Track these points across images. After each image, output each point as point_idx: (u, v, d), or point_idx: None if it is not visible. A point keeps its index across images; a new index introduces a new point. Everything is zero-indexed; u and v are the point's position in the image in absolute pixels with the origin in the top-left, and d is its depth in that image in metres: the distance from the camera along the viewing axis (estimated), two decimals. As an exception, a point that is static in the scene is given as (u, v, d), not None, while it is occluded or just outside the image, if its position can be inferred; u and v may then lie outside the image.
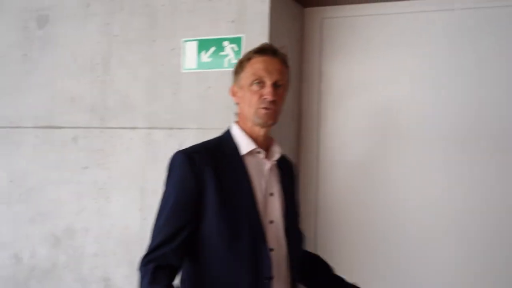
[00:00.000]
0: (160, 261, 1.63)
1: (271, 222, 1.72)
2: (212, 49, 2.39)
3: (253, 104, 1.72)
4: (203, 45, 2.41)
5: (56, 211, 2.66)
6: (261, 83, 1.71)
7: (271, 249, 1.69)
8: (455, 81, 2.38)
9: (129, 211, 2.51)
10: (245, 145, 1.75)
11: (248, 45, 2.30)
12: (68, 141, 2.66)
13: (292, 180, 1.91)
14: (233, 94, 1.80)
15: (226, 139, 1.78)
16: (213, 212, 1.66)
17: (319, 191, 2.58)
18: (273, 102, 1.70)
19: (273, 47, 1.79)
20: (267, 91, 1.70)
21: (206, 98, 2.39)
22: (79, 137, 2.64)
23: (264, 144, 1.77)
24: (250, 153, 1.74)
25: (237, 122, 1.80)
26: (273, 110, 1.71)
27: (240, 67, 1.78)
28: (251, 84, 1.72)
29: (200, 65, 2.41)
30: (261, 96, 1.70)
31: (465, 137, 2.36)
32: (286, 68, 1.79)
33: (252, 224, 1.68)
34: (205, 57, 2.40)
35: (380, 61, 2.50)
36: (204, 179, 1.67)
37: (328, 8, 2.57)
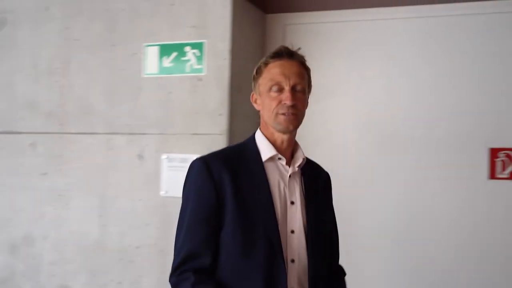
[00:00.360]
0: (199, 272, 1.57)
1: (292, 232, 1.64)
2: (174, 54, 2.38)
3: (273, 110, 1.64)
4: (165, 50, 2.39)
5: (14, 218, 2.60)
6: (279, 88, 1.64)
7: (292, 260, 1.61)
8: (415, 86, 2.42)
9: (88, 217, 2.46)
10: (266, 151, 1.68)
11: (210, 50, 2.30)
12: (26, 146, 2.60)
13: (323, 190, 1.79)
14: (254, 101, 1.74)
15: (249, 144, 1.72)
16: (230, 219, 1.60)
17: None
18: (293, 106, 1.62)
19: (290, 49, 1.70)
20: (286, 96, 1.62)
21: (167, 103, 2.38)
22: (38, 142, 2.58)
23: (288, 150, 1.70)
24: (271, 159, 1.68)
25: (260, 128, 1.73)
26: (294, 115, 1.63)
27: (257, 73, 1.71)
28: (269, 90, 1.65)
29: (162, 70, 2.40)
30: (280, 101, 1.63)
31: (421, 139, 2.41)
32: (305, 70, 1.70)
33: (268, 233, 1.60)
34: (167, 62, 2.39)
35: (342, 68, 2.53)
36: (223, 187, 1.61)
37: (290, 14, 2.59)
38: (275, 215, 1.62)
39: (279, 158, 1.68)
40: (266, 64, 1.68)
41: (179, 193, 2.27)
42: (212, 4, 2.30)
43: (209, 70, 2.31)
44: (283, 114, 1.63)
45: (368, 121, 2.49)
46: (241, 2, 2.38)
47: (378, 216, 2.45)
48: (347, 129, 2.52)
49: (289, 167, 1.68)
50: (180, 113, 2.35)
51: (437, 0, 2.37)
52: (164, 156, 2.35)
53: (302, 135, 2.51)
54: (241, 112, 2.40)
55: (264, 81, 1.67)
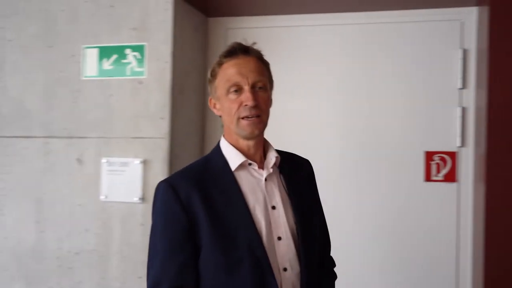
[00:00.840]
0: None
1: (279, 238, 1.50)
2: (114, 56, 2.34)
3: (233, 114, 1.50)
4: (105, 52, 2.35)
5: None
6: (238, 88, 1.49)
7: (285, 269, 1.49)
8: (352, 92, 2.49)
9: (23, 223, 2.39)
10: (234, 159, 1.53)
11: (151, 53, 2.28)
12: (-43, 150, 2.49)
13: (307, 181, 1.66)
14: (213, 106, 1.58)
15: (215, 156, 1.57)
16: (206, 240, 1.46)
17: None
18: (255, 107, 1.48)
19: (244, 45, 1.56)
20: (246, 96, 1.48)
21: (107, 106, 2.34)
22: (-30, 146, 2.48)
23: (257, 153, 1.56)
24: (242, 166, 1.53)
25: (224, 135, 1.58)
26: (257, 118, 1.50)
27: (212, 75, 1.56)
28: (227, 92, 1.50)
29: (102, 72, 2.36)
30: (240, 103, 1.48)
31: (359, 143, 2.48)
32: (264, 65, 1.57)
33: (251, 246, 1.46)
34: (107, 64, 2.35)
35: (283, 72, 2.56)
36: (192, 207, 1.47)
37: (232, 18, 2.61)
38: (254, 225, 1.48)
39: (249, 164, 1.54)
40: (220, 64, 1.54)
41: (120, 198, 2.27)
42: (153, 6, 2.29)
43: (150, 73, 2.29)
44: (246, 117, 1.49)
45: (305, 126, 2.54)
46: (183, 5, 2.37)
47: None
48: (285, 135, 2.55)
49: (263, 170, 1.55)
50: (120, 116, 2.31)
51: (374, 7, 2.45)
52: (104, 160, 2.31)
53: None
54: (183, 115, 2.39)
55: (220, 83, 1.53)
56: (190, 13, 2.45)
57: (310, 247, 1.55)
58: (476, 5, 2.35)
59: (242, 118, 1.49)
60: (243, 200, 1.50)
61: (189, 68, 2.46)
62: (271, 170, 1.55)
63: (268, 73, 1.58)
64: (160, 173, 2.25)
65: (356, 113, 2.49)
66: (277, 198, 1.53)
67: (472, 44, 2.36)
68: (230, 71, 1.51)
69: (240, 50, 1.54)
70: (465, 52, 2.36)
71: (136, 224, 2.27)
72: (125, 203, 2.28)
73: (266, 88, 1.54)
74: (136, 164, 2.27)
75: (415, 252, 2.42)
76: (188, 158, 2.44)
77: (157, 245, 1.49)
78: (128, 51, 2.32)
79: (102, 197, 2.31)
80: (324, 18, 2.52)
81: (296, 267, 1.50)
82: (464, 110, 2.36)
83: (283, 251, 1.50)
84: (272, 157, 1.57)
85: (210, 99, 1.59)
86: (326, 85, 2.52)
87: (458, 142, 2.37)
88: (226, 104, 1.52)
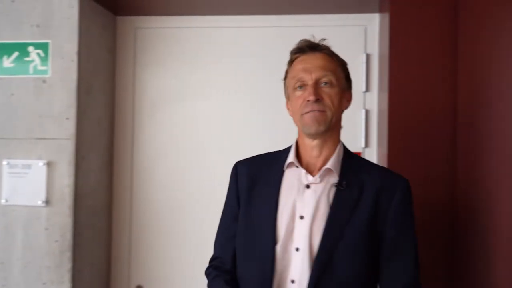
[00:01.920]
0: (219, 271, 1.61)
1: (297, 249, 1.47)
2: (16, 54, 2.24)
3: (297, 110, 1.49)
4: (5, 49, 2.24)
5: None
6: (302, 85, 1.49)
7: (292, 281, 1.46)
8: (261, 94, 2.53)
9: None
10: (289, 157, 1.54)
11: (56, 51, 2.21)
12: None
13: (375, 203, 1.49)
14: (288, 108, 1.59)
15: (285, 151, 1.59)
16: (239, 226, 1.59)
17: (134, 199, 2.55)
18: (317, 101, 1.45)
19: (311, 41, 1.54)
20: (308, 91, 1.46)
21: (9, 106, 2.23)
22: None
23: (322, 156, 1.53)
24: (293, 166, 1.54)
25: (298, 135, 1.59)
26: (320, 112, 1.46)
27: (286, 74, 1.58)
28: (294, 90, 1.51)
29: (2, 70, 2.24)
30: (304, 99, 1.47)
31: (267, 145, 2.52)
32: (333, 61, 1.53)
33: (262, 245, 1.48)
34: (8, 62, 2.24)
35: (191, 73, 2.56)
36: (242, 192, 1.59)
37: (141, 18, 2.57)
38: (274, 230, 1.48)
39: (297, 166, 1.53)
40: (290, 62, 1.56)
41: (22, 201, 2.18)
42: (57, 3, 2.21)
43: (54, 71, 2.21)
44: (307, 112, 1.47)
45: (214, 127, 2.55)
46: (89, 3, 2.31)
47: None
48: (192, 135, 2.56)
49: (314, 177, 1.51)
50: (23, 117, 2.22)
51: (283, 11, 2.51)
52: (4, 162, 2.20)
53: (149, 141, 2.53)
54: (90, 115, 2.33)
55: (289, 81, 1.54)
56: (97, 11, 2.39)
57: (331, 266, 1.45)
58: (378, 11, 2.46)
59: (305, 113, 1.47)
60: (276, 200, 1.51)
61: (97, 67, 2.39)
62: (317, 180, 1.50)
63: (340, 69, 1.55)
64: (65, 175, 2.18)
65: (265, 115, 2.52)
66: (310, 209, 1.48)
67: (375, 49, 2.47)
68: (297, 68, 1.51)
69: (308, 47, 1.53)
70: (368, 57, 2.47)
71: (40, 229, 2.18)
72: (28, 206, 2.19)
73: (333, 84, 1.50)
74: (40, 166, 2.18)
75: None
76: (96, 160, 2.38)
77: (220, 219, 1.68)
78: (30, 48, 2.23)
79: (2, 201, 2.20)
80: (233, 20, 2.54)
81: (305, 282, 1.45)
82: (367, 113, 2.46)
83: (297, 263, 1.46)
84: (327, 165, 1.51)
85: (287, 102, 1.60)
86: (234, 87, 2.54)
87: (362, 143, 2.47)
88: (293, 102, 1.52)
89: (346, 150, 1.60)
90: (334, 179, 1.51)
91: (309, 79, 1.48)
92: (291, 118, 2.54)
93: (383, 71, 2.34)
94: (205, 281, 2.46)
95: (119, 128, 2.58)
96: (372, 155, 2.46)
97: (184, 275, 2.50)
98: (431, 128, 2.22)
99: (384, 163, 2.28)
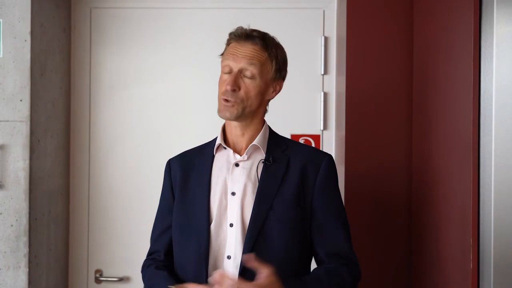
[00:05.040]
0: (153, 261, 1.69)
1: (231, 225, 1.55)
2: (-35, 33, 2.16)
3: (219, 92, 1.60)
4: (-47, 28, 2.16)
5: None
6: (229, 70, 1.58)
7: (228, 257, 1.54)
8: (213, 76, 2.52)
9: None
10: (217, 141, 1.66)
11: (7, 30, 2.14)
12: None
13: (300, 177, 1.59)
14: None
15: (215, 139, 1.69)
16: (174, 215, 1.66)
17: (91, 183, 2.52)
18: (233, 91, 1.54)
19: (246, 30, 1.61)
20: (229, 80, 1.55)
21: (-42, 87, 2.15)
22: None
23: (245, 137, 1.63)
24: (221, 149, 1.64)
25: None
26: (232, 103, 1.55)
27: (223, 52, 1.65)
28: (222, 72, 1.61)
29: (-50, 50, 2.16)
30: (225, 85, 1.56)
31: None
32: (263, 54, 1.58)
33: (198, 227, 1.57)
34: (-44, 41, 2.16)
35: (150, 54, 2.53)
36: (176, 184, 1.67)
37: (97, -3, 2.52)
38: (208, 208, 1.56)
39: (224, 148, 1.63)
40: (228, 44, 1.64)
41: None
42: (8, -20, 2.14)
43: (7, 51, 2.14)
44: (224, 99, 1.57)
45: (166, 110, 2.53)
46: (43, -20, 2.24)
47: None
48: (151, 118, 2.53)
49: (242, 155, 1.61)
50: (-26, 98, 2.14)
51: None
52: (-45, 146, 2.13)
53: (106, 123, 2.49)
54: (45, 97, 2.27)
55: (222, 61, 1.63)
56: (51, -10, 2.33)
57: (263, 237, 1.53)
58: (336, -6, 2.48)
59: (222, 99, 1.57)
60: (208, 182, 1.60)
61: (51, 47, 2.33)
62: (245, 157, 1.60)
63: (271, 62, 1.61)
64: (20, 158, 2.13)
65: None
66: (241, 184, 1.57)
67: (332, 32, 2.48)
68: (228, 52, 1.60)
69: (242, 35, 1.59)
70: (326, 40, 2.49)
71: (-7, 214, 2.13)
72: (-19, 191, 2.13)
73: (254, 77, 1.57)
74: (-8, 149, 2.12)
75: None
76: (51, 143, 2.33)
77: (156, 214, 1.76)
78: (-20, 27, 2.15)
79: (-47, 186, 2.13)
80: (190, 1, 2.51)
81: (239, 256, 1.52)
82: (325, 95, 2.49)
83: (232, 238, 1.54)
84: (254, 142, 1.61)
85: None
86: (193, 69, 2.52)
87: (321, 126, 2.50)
88: (220, 82, 1.62)
89: (272, 131, 1.71)
90: (261, 156, 1.62)
91: (234, 67, 1.58)
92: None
93: (341, 54, 2.37)
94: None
95: (75, 110, 2.53)
96: (330, 137, 2.49)
97: (142, 259, 2.48)
98: (388, 110, 2.27)
99: (342, 146, 2.32)
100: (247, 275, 1.46)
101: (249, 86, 1.57)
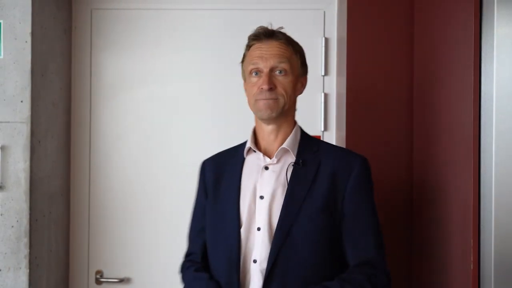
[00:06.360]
0: (191, 263, 1.70)
1: (258, 229, 1.53)
2: (-35, 34, 2.16)
3: (252, 96, 1.57)
4: (-46, 29, 2.16)
5: None
6: (258, 71, 1.57)
7: (254, 261, 1.52)
8: (221, 77, 2.52)
9: None
10: (248, 144, 1.64)
11: (8, 32, 2.14)
12: None
13: (331, 180, 1.54)
14: (245, 89, 1.66)
15: (246, 141, 1.68)
16: (207, 217, 1.66)
17: (92, 184, 2.52)
18: (270, 90, 1.53)
19: (268, 29, 1.60)
20: (262, 80, 1.53)
21: (-41, 88, 2.15)
22: None
23: (278, 140, 1.60)
24: (252, 152, 1.63)
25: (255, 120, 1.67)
26: (273, 100, 1.53)
27: (243, 57, 1.66)
28: (250, 75, 1.59)
29: (-49, 51, 2.16)
30: (258, 87, 1.55)
31: (223, 131, 2.52)
32: (288, 49, 1.58)
33: (228, 231, 1.56)
34: (-43, 42, 2.16)
35: (151, 56, 2.53)
36: (209, 186, 1.67)
37: (97, -2, 2.52)
38: (238, 212, 1.55)
39: (254, 151, 1.61)
40: (248, 47, 1.62)
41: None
42: (9, -19, 2.14)
43: (7, 52, 2.14)
44: (262, 99, 1.55)
45: (168, 112, 2.53)
46: (44, -18, 2.24)
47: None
48: (152, 120, 2.53)
49: (272, 158, 1.59)
50: (-26, 99, 2.14)
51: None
52: (-44, 147, 2.13)
53: (107, 125, 2.50)
54: (46, 98, 2.27)
55: (245, 66, 1.62)
56: (52, -9, 2.33)
57: (290, 242, 1.49)
58: (337, -4, 2.49)
59: (259, 99, 1.55)
60: (238, 186, 1.58)
61: (52, 48, 2.33)
62: (274, 161, 1.58)
63: (296, 57, 1.61)
64: (21, 159, 2.13)
65: (226, 99, 2.52)
66: (270, 188, 1.54)
67: (333, 33, 2.48)
68: (253, 54, 1.58)
69: (264, 34, 1.58)
70: (327, 41, 2.49)
71: (-6, 215, 2.13)
72: (-19, 192, 2.13)
73: (288, 73, 1.56)
74: (-7, 150, 2.12)
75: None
76: (52, 144, 2.33)
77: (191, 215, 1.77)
78: (-19, 28, 2.15)
79: (-47, 187, 2.13)
80: (193, 2, 2.52)
81: (265, 260, 1.50)
82: (326, 96, 2.49)
83: (258, 242, 1.52)
84: (284, 145, 1.59)
85: (244, 83, 1.68)
86: (194, 71, 2.52)
87: (321, 127, 2.50)
88: (248, 87, 1.61)
89: (304, 133, 1.68)
90: (291, 159, 1.58)
91: (264, 67, 1.55)
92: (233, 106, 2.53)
93: (341, 55, 2.36)
94: (164, 265, 2.46)
95: (75, 111, 2.53)
96: (331, 138, 2.49)
97: (143, 260, 2.49)
98: (389, 111, 2.27)
99: (342, 146, 2.32)
100: (272, 281, 1.48)
101: (284, 81, 1.56)
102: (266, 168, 1.58)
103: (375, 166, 2.26)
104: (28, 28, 2.14)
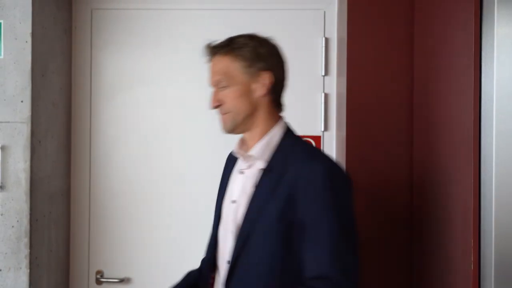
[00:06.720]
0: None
1: (232, 232, 1.56)
2: (-34, 34, 2.16)
3: None
4: (-46, 29, 2.16)
5: None
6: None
7: (228, 262, 1.54)
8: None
9: None
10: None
11: (8, 32, 2.14)
12: None
13: (278, 192, 1.49)
14: None
15: None
16: None
17: (92, 184, 2.52)
18: (219, 107, 1.59)
19: (209, 47, 1.62)
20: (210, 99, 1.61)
21: (-41, 88, 2.15)
22: None
23: (250, 147, 1.61)
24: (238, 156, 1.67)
25: None
26: (224, 115, 1.59)
27: None
28: None
29: (-49, 51, 2.16)
30: None
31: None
32: (225, 60, 1.57)
33: (212, 234, 1.68)
34: (-43, 42, 2.16)
35: (151, 56, 2.53)
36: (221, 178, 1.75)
37: (97, -2, 2.52)
38: (220, 214, 1.63)
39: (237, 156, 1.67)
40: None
41: (-25, 187, 2.11)
42: (9, -19, 2.14)
43: (8, 52, 2.14)
44: (219, 115, 1.62)
45: (168, 112, 2.53)
46: (44, -18, 2.24)
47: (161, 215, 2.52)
48: (152, 120, 2.53)
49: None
50: (-26, 100, 2.14)
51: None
52: (-44, 147, 2.13)
53: (107, 125, 2.49)
54: (46, 98, 2.27)
55: None
56: (52, -9, 2.33)
57: (247, 250, 1.50)
58: (337, -4, 2.48)
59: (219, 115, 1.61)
60: (226, 187, 1.65)
61: (52, 48, 2.33)
62: (245, 166, 1.59)
63: (237, 62, 1.56)
64: (21, 159, 2.13)
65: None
66: (240, 192, 1.57)
67: (333, 33, 2.48)
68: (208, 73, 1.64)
69: (208, 53, 1.63)
70: (327, 41, 2.49)
71: (-6, 215, 2.13)
72: (-18, 192, 2.13)
73: (227, 85, 1.56)
74: (-7, 150, 2.12)
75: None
76: (52, 144, 2.33)
77: None
78: (-18, 28, 2.15)
79: (-46, 187, 2.13)
80: (193, 2, 2.52)
81: (226, 264, 1.56)
82: (326, 96, 2.49)
83: (229, 245, 1.56)
84: (250, 151, 1.59)
85: None
86: (193, 71, 2.50)
87: (321, 127, 2.50)
88: None
89: (287, 136, 1.61)
90: (262, 164, 1.55)
91: (211, 85, 1.63)
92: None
93: (342, 55, 2.36)
94: (164, 265, 2.46)
95: (76, 111, 2.53)
96: (331, 138, 2.49)
97: (143, 260, 2.49)
98: (389, 111, 2.27)
99: (342, 147, 2.32)
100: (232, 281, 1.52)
101: (228, 94, 1.57)
102: (242, 172, 1.61)
103: (375, 166, 2.27)
104: (28, 28, 2.14)
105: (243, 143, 1.65)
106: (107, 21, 2.53)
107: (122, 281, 2.47)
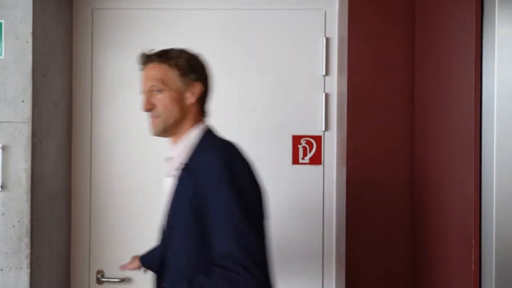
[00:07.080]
0: None
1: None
2: (-33, 34, 2.16)
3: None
4: (-45, 29, 2.16)
5: None
6: (143, 93, 1.71)
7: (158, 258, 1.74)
8: (223, 78, 2.52)
9: None
10: None
11: (9, 32, 2.14)
12: None
13: (188, 185, 1.60)
14: None
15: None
16: None
17: (93, 183, 2.52)
18: (149, 110, 1.67)
19: (144, 55, 1.74)
20: (143, 101, 1.68)
21: (-40, 88, 2.15)
22: None
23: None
24: None
25: None
26: (155, 118, 1.67)
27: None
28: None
29: (-48, 51, 2.16)
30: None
31: (235, 127, 2.52)
32: (162, 67, 1.70)
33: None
34: (-42, 42, 2.16)
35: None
36: None
37: (98, -2, 2.52)
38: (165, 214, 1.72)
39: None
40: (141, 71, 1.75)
41: (-24, 186, 2.11)
42: (10, -19, 2.14)
43: (8, 53, 2.14)
44: (149, 119, 1.69)
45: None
46: (45, -18, 2.25)
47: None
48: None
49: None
50: (-25, 99, 2.15)
51: (243, -6, 2.50)
52: (-43, 147, 2.13)
53: (108, 125, 2.50)
54: (47, 98, 2.27)
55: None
56: (53, -9, 2.33)
57: (170, 241, 1.66)
58: (338, -4, 2.48)
59: (149, 119, 1.69)
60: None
61: (53, 48, 2.34)
62: (169, 169, 1.71)
63: (172, 72, 1.68)
64: (22, 159, 2.13)
65: (226, 99, 2.52)
66: (168, 194, 1.70)
67: (334, 32, 2.48)
68: (141, 79, 1.72)
69: (143, 61, 1.73)
70: (327, 40, 2.49)
71: (-5, 214, 2.13)
72: (-17, 192, 2.13)
73: (162, 89, 1.66)
74: (-6, 150, 2.13)
75: (284, 232, 2.52)
76: (53, 144, 2.33)
77: None
78: (-18, 28, 2.16)
79: (-45, 187, 2.14)
80: (193, 2, 2.52)
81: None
82: (327, 96, 2.49)
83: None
84: (169, 153, 1.73)
85: None
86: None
87: (322, 127, 2.49)
88: None
89: (206, 136, 1.70)
90: (181, 164, 1.66)
91: (144, 89, 1.70)
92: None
93: (342, 55, 2.36)
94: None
95: (77, 111, 2.53)
96: (332, 138, 2.49)
97: (145, 259, 2.49)
98: (390, 111, 2.27)
99: (343, 146, 2.32)
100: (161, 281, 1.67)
101: (162, 98, 1.67)
102: (169, 175, 1.71)
103: (376, 166, 2.27)
104: (29, 28, 2.14)
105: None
106: (107, 20, 2.53)
107: (122, 281, 2.48)
